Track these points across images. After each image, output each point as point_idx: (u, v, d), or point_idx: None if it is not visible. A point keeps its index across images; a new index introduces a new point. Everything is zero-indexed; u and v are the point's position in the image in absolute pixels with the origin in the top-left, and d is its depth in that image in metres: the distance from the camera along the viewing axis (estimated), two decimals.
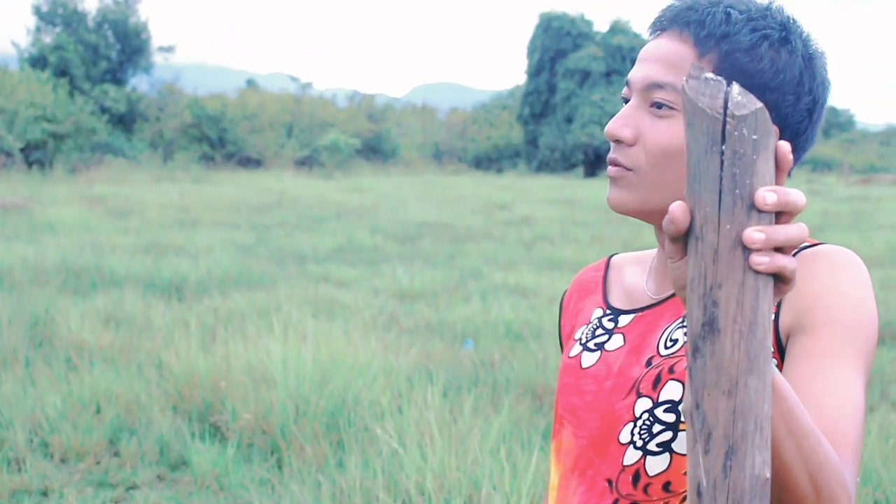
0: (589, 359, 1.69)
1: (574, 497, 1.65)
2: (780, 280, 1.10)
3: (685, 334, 1.56)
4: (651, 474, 1.55)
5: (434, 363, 8.24)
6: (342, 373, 7.01)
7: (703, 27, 1.55)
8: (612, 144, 1.61)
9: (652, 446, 1.55)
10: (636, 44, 61.10)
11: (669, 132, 1.56)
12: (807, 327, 1.46)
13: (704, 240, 1.08)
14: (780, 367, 1.49)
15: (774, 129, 1.09)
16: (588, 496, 1.62)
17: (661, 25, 1.61)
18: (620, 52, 58.28)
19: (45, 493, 5.97)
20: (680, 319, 1.60)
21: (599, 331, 1.72)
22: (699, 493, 1.10)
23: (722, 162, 1.06)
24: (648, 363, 1.59)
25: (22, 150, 37.40)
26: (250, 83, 73.88)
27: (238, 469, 6.16)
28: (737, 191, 1.06)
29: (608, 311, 1.74)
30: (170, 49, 57.20)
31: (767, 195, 1.07)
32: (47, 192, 26.35)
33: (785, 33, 1.55)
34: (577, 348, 1.73)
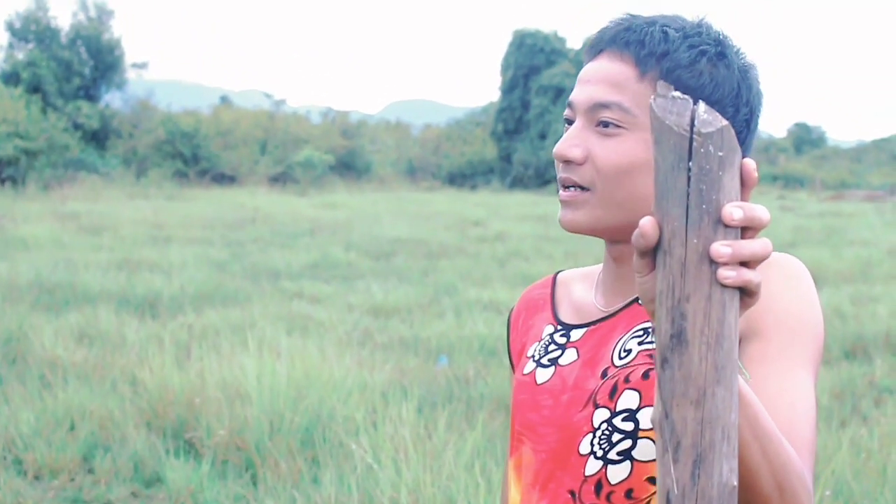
0: (543, 374, 1.71)
1: None
2: (746, 294, 1.14)
3: (639, 344, 1.60)
4: (613, 483, 1.57)
5: (408, 379, 8.24)
6: (317, 389, 7.02)
7: (643, 46, 1.59)
8: (560, 165, 1.64)
9: (612, 455, 1.57)
10: None
11: (619, 150, 1.59)
12: (758, 332, 1.51)
13: (672, 254, 1.10)
14: None
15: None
16: None
17: (600, 47, 1.65)
18: None
19: None
20: (633, 330, 1.63)
21: (552, 346, 1.74)
22: (668, 501, 1.13)
23: (689, 178, 1.09)
24: (604, 374, 1.62)
25: None
26: (224, 100, 73.73)
27: (213, 485, 6.16)
28: (703, 206, 1.09)
29: (559, 327, 1.77)
30: (143, 66, 57.05)
31: (734, 211, 1.10)
32: (20, 208, 26.26)
33: (720, 48, 1.60)
34: (530, 365, 1.75)
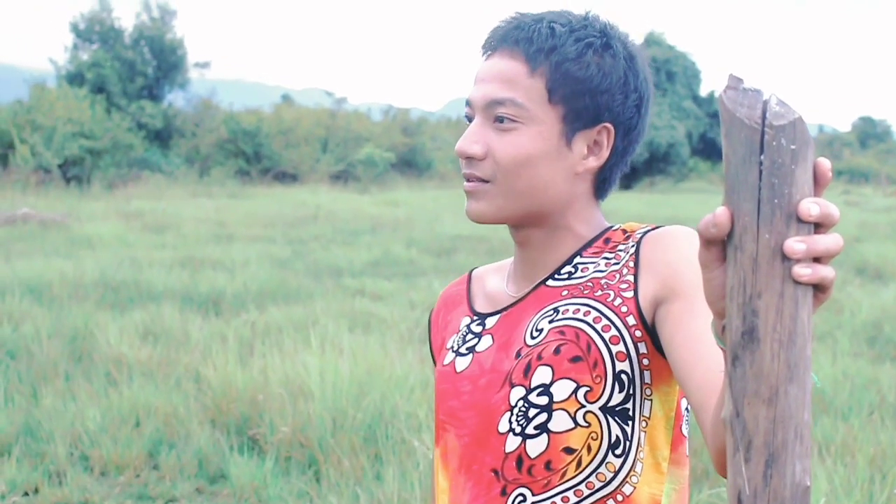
0: (462, 363, 1.79)
1: (464, 495, 1.74)
2: (819, 289, 1.11)
3: (549, 322, 1.68)
4: (532, 456, 1.65)
5: None
6: (379, 386, 7.03)
7: (531, 43, 1.69)
8: (463, 162, 1.75)
9: (530, 430, 1.65)
10: (670, 56, 60.89)
11: (516, 143, 1.69)
12: (678, 292, 1.60)
13: (743, 249, 1.08)
14: (644, 337, 1.63)
15: (811, 140, 1.10)
16: (477, 490, 1.72)
17: (492, 46, 1.74)
18: (655, 63, 58.21)
19: None
20: (543, 310, 1.71)
21: (469, 336, 1.82)
22: (740, 501, 1.11)
23: (760, 172, 1.07)
24: (518, 355, 1.70)
25: (60, 166, 37.67)
26: (285, 98, 74.17)
27: (276, 482, 6.19)
28: (775, 200, 1.07)
29: (475, 317, 1.85)
30: (205, 65, 57.50)
31: (811, 207, 1.07)
32: (85, 207, 26.54)
33: (606, 39, 1.71)
34: (449, 356, 1.84)
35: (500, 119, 1.69)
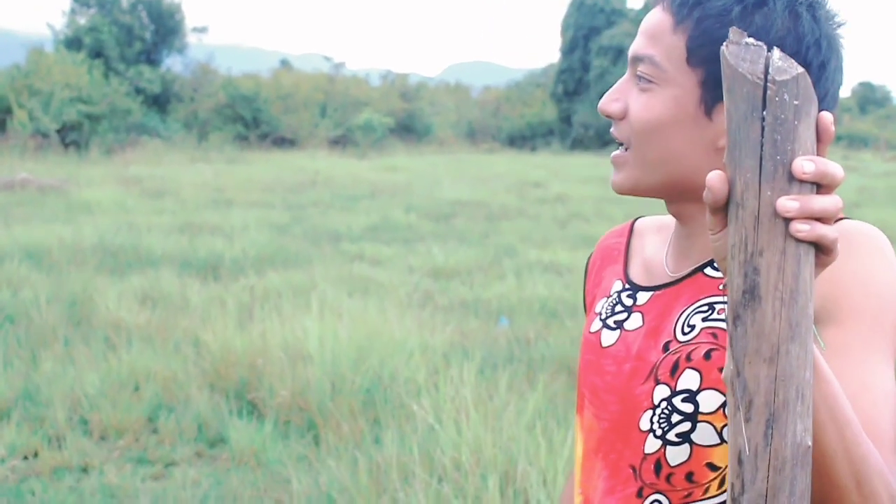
0: (609, 337, 1.65)
1: (599, 480, 1.62)
2: (822, 251, 1.09)
3: (703, 320, 1.52)
4: (672, 464, 1.51)
5: (469, 340, 8.24)
6: (378, 350, 7.03)
7: None
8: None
9: (671, 436, 1.51)
10: None
11: (649, 106, 1.51)
12: (833, 317, 1.39)
13: (745, 207, 1.07)
14: None
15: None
16: (613, 481, 1.59)
17: None
18: None
19: (85, 470, 6.03)
20: (697, 304, 1.54)
21: (619, 307, 1.68)
22: (740, 461, 1.10)
23: (763, 128, 1.05)
24: (665, 348, 1.55)
25: (58, 131, 37.57)
26: (284, 63, 73.87)
27: (275, 446, 6.20)
28: (778, 157, 1.05)
29: (627, 286, 1.70)
30: (203, 30, 57.28)
31: (805, 164, 1.05)
32: (84, 173, 26.48)
33: None
34: (597, 324, 1.70)
35: (639, 77, 1.52)
